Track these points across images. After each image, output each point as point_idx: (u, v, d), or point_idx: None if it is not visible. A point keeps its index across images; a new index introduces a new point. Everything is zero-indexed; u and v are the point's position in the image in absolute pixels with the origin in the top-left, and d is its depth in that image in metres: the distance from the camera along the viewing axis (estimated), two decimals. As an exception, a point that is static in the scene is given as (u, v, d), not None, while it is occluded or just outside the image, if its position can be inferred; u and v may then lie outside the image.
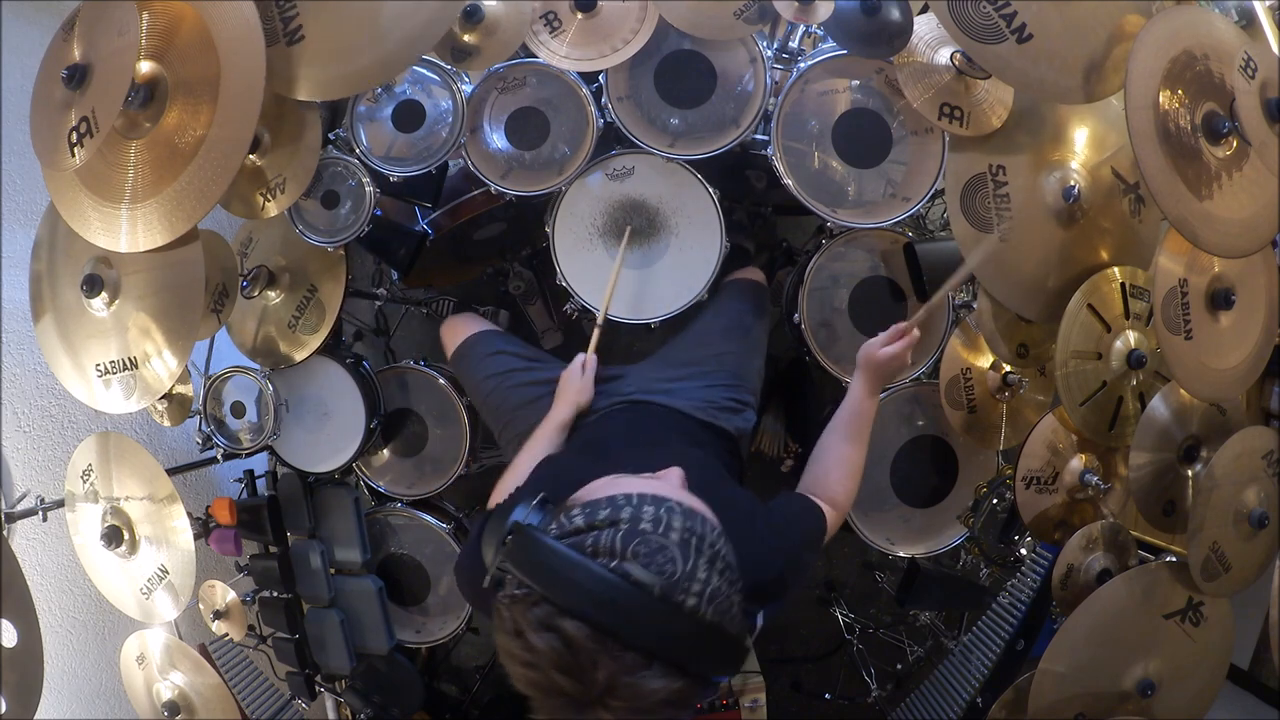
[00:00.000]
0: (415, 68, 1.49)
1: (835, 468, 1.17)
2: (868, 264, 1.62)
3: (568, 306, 1.64)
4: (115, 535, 1.47)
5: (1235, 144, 1.21)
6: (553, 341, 2.15)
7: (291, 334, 1.55)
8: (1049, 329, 1.39)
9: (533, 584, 0.66)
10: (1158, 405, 1.41)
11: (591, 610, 0.64)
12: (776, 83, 1.51)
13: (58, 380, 1.43)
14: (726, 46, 1.50)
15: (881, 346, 1.18)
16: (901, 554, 1.71)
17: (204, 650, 1.66)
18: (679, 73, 1.52)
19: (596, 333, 1.46)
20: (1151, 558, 1.48)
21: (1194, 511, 1.37)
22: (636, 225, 1.58)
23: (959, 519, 1.69)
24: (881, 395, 1.59)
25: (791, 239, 2.11)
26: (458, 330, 1.60)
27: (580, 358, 1.38)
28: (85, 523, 1.52)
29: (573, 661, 0.64)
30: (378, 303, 1.99)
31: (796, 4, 1.36)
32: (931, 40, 1.41)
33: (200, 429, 1.58)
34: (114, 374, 1.37)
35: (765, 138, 1.50)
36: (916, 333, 1.19)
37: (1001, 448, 1.62)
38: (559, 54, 1.45)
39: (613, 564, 0.65)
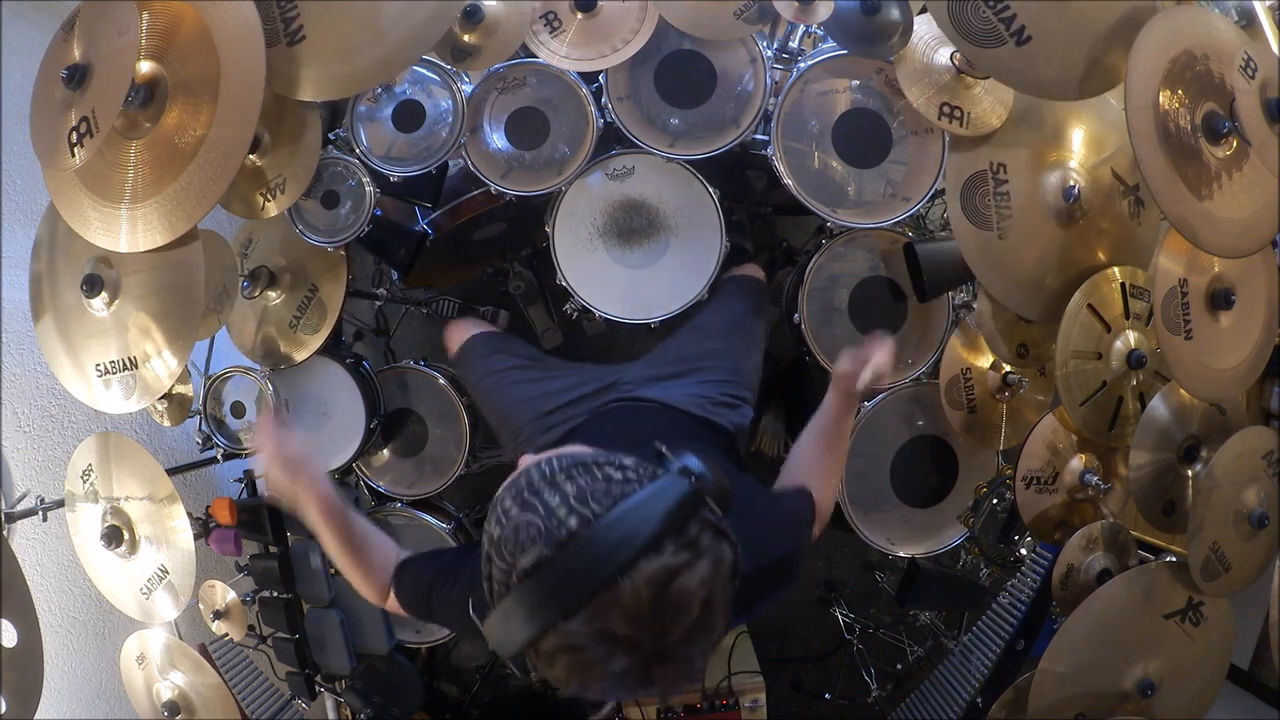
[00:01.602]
0: (415, 68, 1.49)
1: (813, 476, 1.13)
2: (868, 264, 1.62)
3: (568, 306, 1.64)
4: (115, 535, 1.47)
5: (1235, 144, 1.21)
6: (553, 341, 2.15)
7: (292, 334, 1.55)
8: (1049, 329, 1.39)
9: (512, 643, 0.67)
10: (1158, 405, 1.41)
11: (547, 615, 0.64)
12: (776, 83, 1.51)
13: (58, 380, 1.43)
14: (726, 46, 1.50)
15: (856, 372, 1.11)
16: (901, 554, 1.71)
17: (204, 650, 1.66)
18: (679, 73, 1.52)
19: None
20: (1151, 558, 1.48)
21: (1194, 511, 1.37)
22: (637, 225, 1.58)
23: (959, 519, 1.69)
24: (876, 400, 1.61)
25: (791, 239, 2.11)
26: (460, 331, 1.64)
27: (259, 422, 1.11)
28: (85, 523, 1.52)
29: (592, 654, 0.64)
30: (378, 303, 1.99)
31: (796, 4, 1.36)
32: (931, 40, 1.41)
33: (200, 429, 1.58)
34: (114, 374, 1.37)
35: (765, 138, 1.50)
36: (891, 346, 1.13)
37: (1001, 448, 1.62)
38: (559, 54, 1.45)
39: (511, 579, 0.66)
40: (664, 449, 0.73)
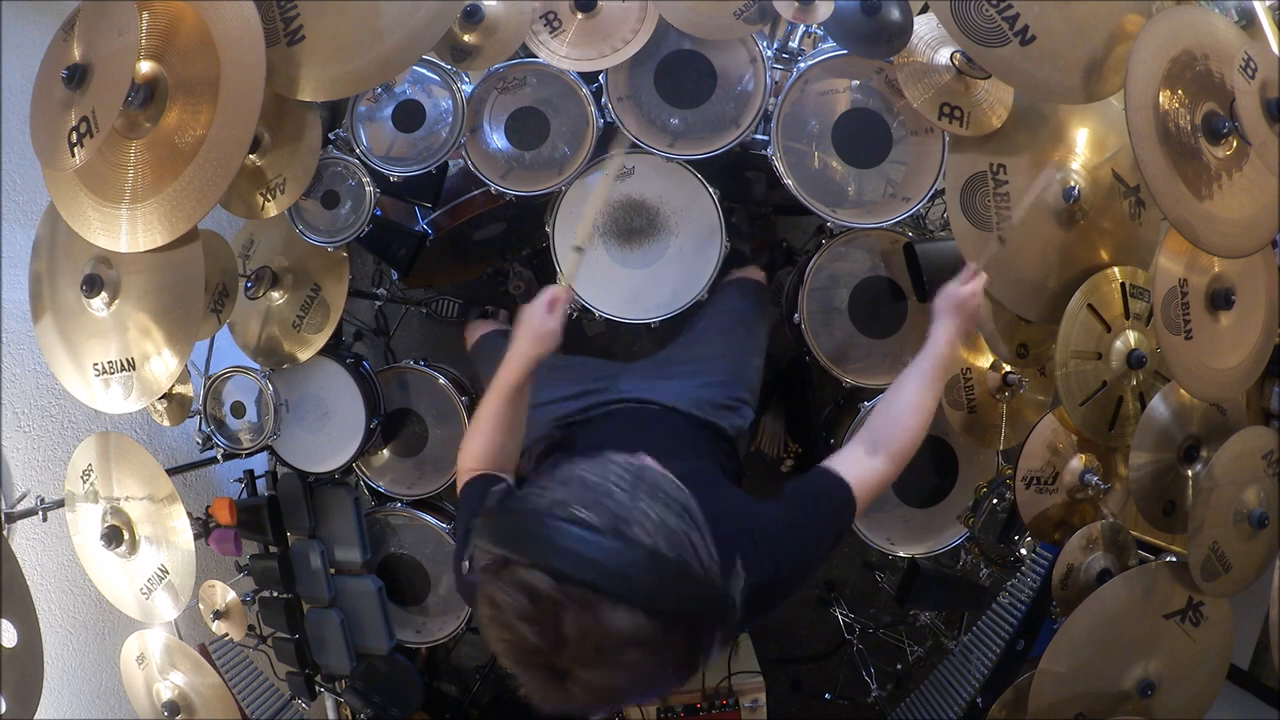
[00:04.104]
0: (415, 68, 1.49)
1: (908, 414, 1.09)
2: (868, 264, 1.62)
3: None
4: (115, 535, 1.47)
5: (1235, 144, 1.21)
6: (553, 341, 2.15)
7: (296, 333, 1.55)
8: (1049, 329, 1.39)
9: (495, 548, 0.70)
10: (1158, 405, 1.41)
11: (545, 556, 0.67)
12: (776, 83, 1.51)
13: (58, 380, 1.43)
14: (726, 46, 1.50)
15: (970, 291, 1.19)
16: (901, 554, 1.71)
17: (204, 650, 1.66)
18: (679, 73, 1.52)
19: (574, 258, 1.29)
20: (1151, 558, 1.48)
21: (1194, 511, 1.37)
22: (637, 225, 1.58)
23: (959, 519, 1.69)
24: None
25: (791, 239, 2.11)
26: (477, 329, 1.79)
27: (549, 291, 1.13)
28: (85, 523, 1.52)
29: (535, 610, 0.66)
30: (378, 303, 1.99)
31: (796, 4, 1.36)
32: (931, 40, 1.40)
33: (200, 429, 1.58)
34: (114, 374, 1.37)
35: (765, 138, 1.50)
36: (985, 277, 1.21)
37: (1001, 448, 1.61)
38: (559, 54, 1.45)
39: (561, 513, 0.69)
40: (739, 565, 0.77)
